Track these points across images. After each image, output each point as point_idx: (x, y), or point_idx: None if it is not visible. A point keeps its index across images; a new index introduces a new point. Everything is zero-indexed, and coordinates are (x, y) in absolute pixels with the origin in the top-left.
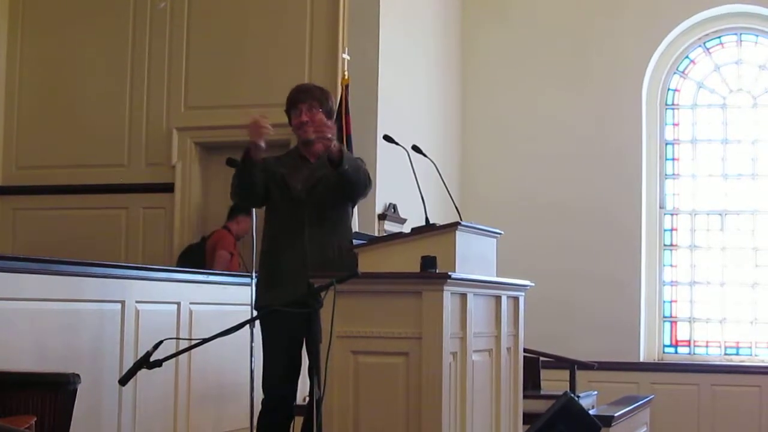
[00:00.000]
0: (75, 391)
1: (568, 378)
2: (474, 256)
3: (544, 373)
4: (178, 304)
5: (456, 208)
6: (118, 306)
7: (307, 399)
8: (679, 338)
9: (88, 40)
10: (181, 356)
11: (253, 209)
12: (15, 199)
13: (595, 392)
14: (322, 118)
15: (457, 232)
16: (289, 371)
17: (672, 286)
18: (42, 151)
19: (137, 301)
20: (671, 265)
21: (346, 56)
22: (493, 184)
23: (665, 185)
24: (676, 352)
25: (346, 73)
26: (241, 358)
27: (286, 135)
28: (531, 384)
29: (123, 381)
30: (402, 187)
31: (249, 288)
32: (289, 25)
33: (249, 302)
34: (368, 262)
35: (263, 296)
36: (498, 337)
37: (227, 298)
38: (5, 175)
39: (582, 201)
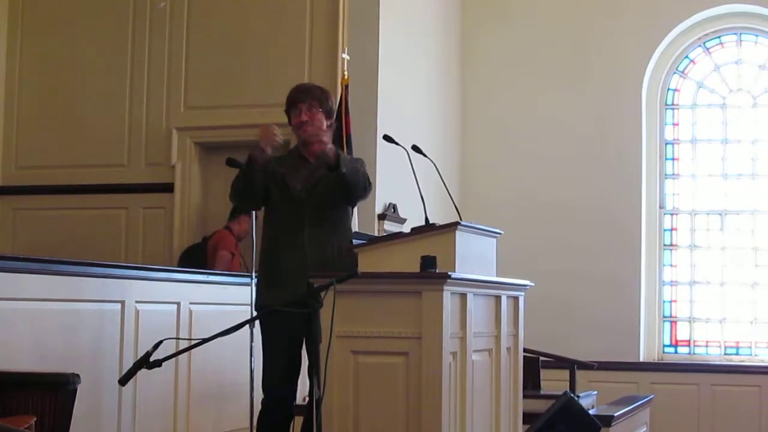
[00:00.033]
0: (75, 391)
1: (567, 378)
2: (474, 256)
3: (544, 373)
4: (178, 304)
5: (456, 208)
6: (118, 306)
7: (307, 399)
8: (678, 338)
9: (88, 40)
10: (180, 356)
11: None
12: (15, 199)
13: (595, 392)
14: (321, 118)
15: (457, 232)
16: (289, 371)
17: (672, 285)
18: (42, 151)
19: (137, 301)
20: (671, 265)
21: (345, 56)
22: (493, 184)
23: (665, 185)
24: (675, 352)
25: (346, 73)
26: (241, 358)
27: (286, 135)
28: (531, 384)
29: (123, 381)
30: (402, 187)
31: (249, 288)
32: (289, 25)
33: (249, 302)
34: (368, 262)
35: (263, 296)
36: (498, 337)
37: (227, 298)
38: (5, 175)
39: (582, 201)
